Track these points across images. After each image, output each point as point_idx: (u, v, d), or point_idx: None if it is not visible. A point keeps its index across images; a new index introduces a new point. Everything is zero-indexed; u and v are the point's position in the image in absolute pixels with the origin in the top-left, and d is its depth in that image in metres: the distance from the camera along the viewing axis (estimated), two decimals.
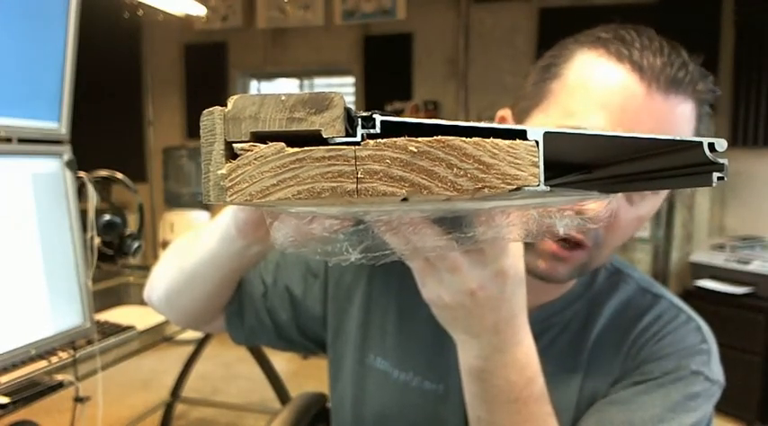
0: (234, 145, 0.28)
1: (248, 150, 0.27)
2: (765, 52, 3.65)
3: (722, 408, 3.13)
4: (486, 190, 0.27)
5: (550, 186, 0.27)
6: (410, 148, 0.26)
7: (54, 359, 1.48)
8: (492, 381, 0.60)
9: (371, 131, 0.27)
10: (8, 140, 1.28)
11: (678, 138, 0.30)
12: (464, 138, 0.27)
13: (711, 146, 0.29)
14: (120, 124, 5.08)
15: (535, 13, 4.06)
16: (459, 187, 0.27)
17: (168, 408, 3.10)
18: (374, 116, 0.27)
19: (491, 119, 0.81)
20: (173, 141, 5.13)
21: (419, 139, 0.27)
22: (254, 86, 5.07)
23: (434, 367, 0.81)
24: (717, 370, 0.76)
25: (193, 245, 0.78)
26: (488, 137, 0.27)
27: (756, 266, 3.19)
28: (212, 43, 4.92)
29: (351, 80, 4.70)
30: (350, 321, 0.90)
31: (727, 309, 3.11)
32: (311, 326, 0.93)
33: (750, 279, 3.18)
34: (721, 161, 0.29)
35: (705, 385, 0.73)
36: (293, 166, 0.27)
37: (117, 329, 1.79)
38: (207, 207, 5.01)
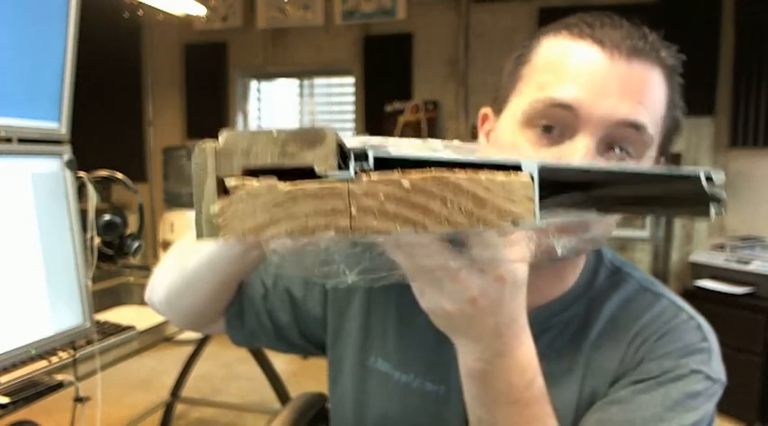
0: (226, 181, 0.26)
1: (240, 186, 0.26)
2: (765, 52, 3.65)
3: (722, 408, 3.11)
4: (480, 225, 0.27)
5: (546, 220, 0.27)
6: (404, 184, 0.26)
7: (54, 359, 1.49)
8: (493, 383, 0.59)
9: (365, 166, 0.26)
10: (8, 140, 1.28)
11: (675, 172, 0.30)
12: (458, 174, 0.26)
13: (709, 177, 0.29)
14: (120, 124, 5.08)
15: (535, 13, 4.05)
16: (453, 222, 0.27)
17: (168, 408, 3.10)
18: (367, 151, 0.26)
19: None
20: (173, 141, 5.13)
21: (413, 175, 0.26)
22: (254, 86, 5.07)
23: (435, 368, 0.81)
24: (718, 369, 0.75)
25: (194, 249, 0.78)
26: (483, 170, 0.26)
27: (756, 266, 3.19)
28: (212, 43, 4.91)
29: (351, 80, 4.70)
30: (350, 322, 0.89)
31: (727, 309, 3.11)
32: (312, 328, 0.93)
33: (750, 279, 3.18)
34: (719, 193, 0.29)
35: (706, 383, 0.73)
36: (286, 203, 0.26)
37: (117, 329, 1.79)
38: None
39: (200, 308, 0.86)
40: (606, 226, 0.70)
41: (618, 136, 0.69)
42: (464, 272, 0.48)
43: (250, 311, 0.90)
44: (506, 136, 0.74)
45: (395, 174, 0.26)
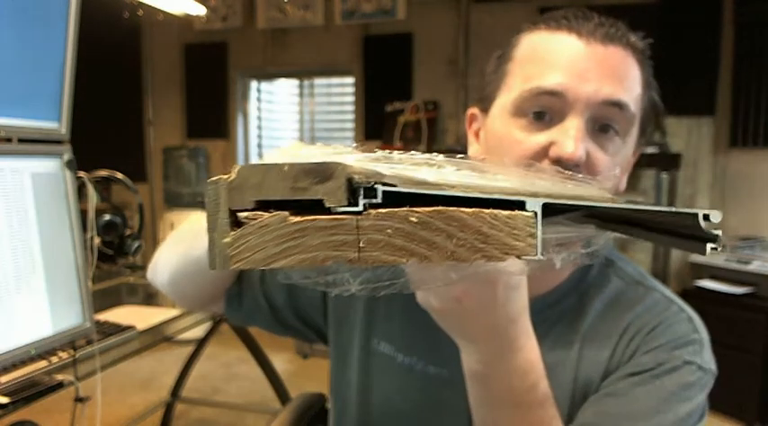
0: (238, 213, 0.28)
1: (252, 219, 0.28)
2: (765, 53, 3.65)
3: (722, 408, 3.13)
4: (484, 260, 0.28)
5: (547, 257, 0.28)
6: (411, 219, 0.27)
7: (54, 359, 1.49)
8: (494, 386, 0.60)
9: (373, 201, 0.27)
10: (8, 140, 1.28)
11: (674, 210, 0.32)
12: (464, 209, 0.27)
13: (706, 216, 0.31)
14: (120, 124, 5.08)
15: (535, 13, 4.05)
16: (458, 257, 0.27)
17: (168, 408, 3.11)
18: (376, 186, 0.27)
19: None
20: (173, 141, 5.13)
21: (419, 210, 0.27)
22: (254, 86, 5.06)
23: (439, 351, 0.82)
24: (709, 359, 0.77)
25: (200, 232, 0.79)
26: (488, 207, 0.28)
27: (756, 266, 3.19)
28: (212, 43, 4.91)
29: (351, 80, 4.69)
30: (354, 307, 0.91)
31: (728, 309, 3.11)
32: (309, 312, 0.95)
33: (750, 279, 3.18)
34: (715, 232, 0.31)
35: (698, 374, 0.75)
36: (296, 235, 0.27)
37: (117, 329, 1.79)
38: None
39: (205, 290, 0.91)
40: (606, 240, 0.71)
41: (603, 115, 0.73)
42: (447, 272, 0.49)
43: (248, 292, 0.93)
44: (498, 128, 0.77)
45: (402, 210, 0.27)
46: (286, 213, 0.27)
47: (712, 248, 0.32)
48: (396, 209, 0.27)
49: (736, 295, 3.16)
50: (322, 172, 0.26)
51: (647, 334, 0.78)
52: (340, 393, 0.96)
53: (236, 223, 0.28)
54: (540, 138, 0.73)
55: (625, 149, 0.77)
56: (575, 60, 0.73)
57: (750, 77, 3.70)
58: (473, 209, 0.27)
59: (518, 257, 0.28)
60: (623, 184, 0.83)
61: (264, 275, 0.92)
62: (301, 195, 0.27)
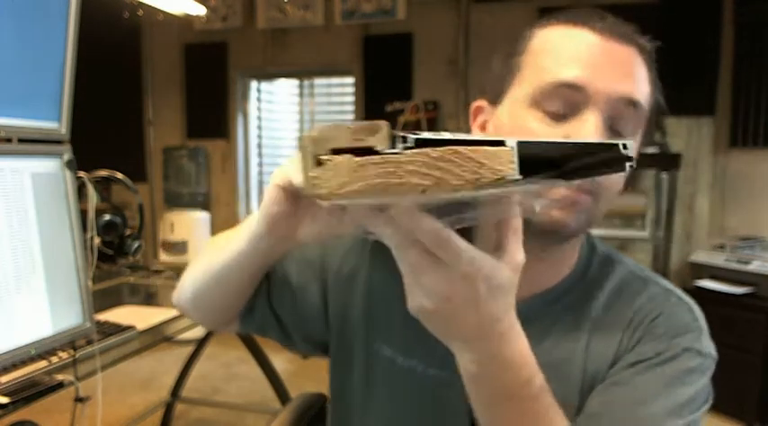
0: (320, 157, 0.41)
1: (329, 160, 0.40)
2: (765, 53, 3.65)
3: (721, 408, 3.14)
4: (482, 180, 0.40)
5: (522, 177, 0.40)
6: (432, 154, 0.39)
7: (54, 359, 1.49)
8: (489, 384, 0.62)
9: (407, 145, 0.40)
10: (8, 140, 1.29)
11: (605, 142, 0.47)
12: (467, 147, 0.40)
13: (624, 145, 0.46)
14: (120, 124, 5.08)
15: (535, 13, 4.05)
16: (464, 178, 0.39)
17: (168, 408, 3.11)
18: (407, 136, 0.40)
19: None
20: (173, 141, 5.13)
21: (438, 149, 0.40)
22: (254, 86, 5.07)
23: (438, 353, 0.83)
24: (708, 344, 0.79)
25: (221, 248, 0.83)
26: (483, 146, 0.40)
27: (756, 266, 3.19)
28: (212, 43, 4.92)
29: (351, 80, 4.70)
30: (353, 311, 0.92)
31: (728, 309, 3.11)
32: (310, 327, 0.95)
33: (750, 279, 3.18)
34: (630, 154, 0.46)
35: (698, 360, 0.77)
36: (359, 169, 0.40)
37: (117, 329, 1.79)
38: (207, 207, 5.02)
39: (224, 305, 0.91)
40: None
41: (619, 114, 0.74)
42: (430, 267, 0.51)
43: (258, 305, 0.93)
44: (512, 120, 0.78)
45: (426, 149, 0.40)
46: (351, 155, 0.40)
47: (630, 165, 0.46)
48: (422, 149, 0.40)
49: (736, 295, 3.16)
50: (373, 128, 0.40)
51: (648, 324, 0.79)
52: (341, 398, 0.96)
53: (319, 163, 0.41)
54: (556, 131, 0.74)
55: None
56: (592, 54, 0.73)
57: (750, 77, 3.70)
58: (473, 147, 0.40)
59: (502, 177, 0.40)
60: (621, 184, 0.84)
61: (270, 289, 0.93)
62: (360, 144, 0.40)
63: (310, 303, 0.93)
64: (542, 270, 0.83)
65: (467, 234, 0.51)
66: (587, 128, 0.71)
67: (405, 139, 0.40)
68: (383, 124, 0.40)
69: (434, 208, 0.48)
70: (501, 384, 0.61)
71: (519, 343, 0.60)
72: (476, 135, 0.42)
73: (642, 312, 0.81)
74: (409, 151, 0.39)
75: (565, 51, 0.75)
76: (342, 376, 0.95)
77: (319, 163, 0.41)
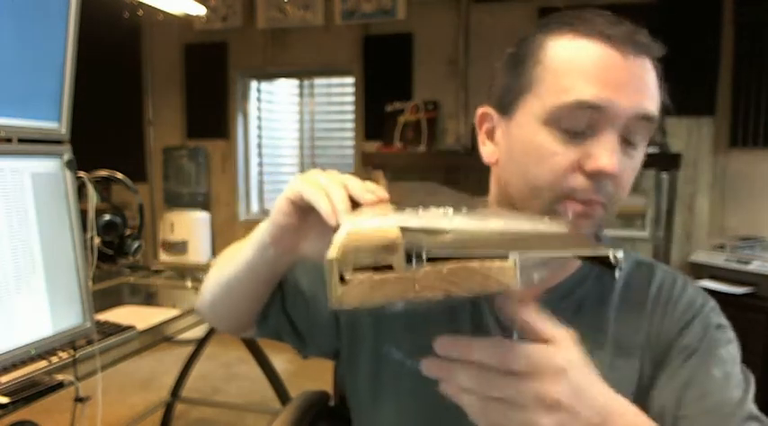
0: (344, 274, 0.46)
1: (352, 278, 0.46)
2: (765, 53, 3.65)
3: None
4: (488, 290, 0.45)
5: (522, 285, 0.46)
6: (444, 271, 0.45)
7: (54, 359, 1.49)
8: None
9: (421, 262, 0.45)
10: (8, 140, 1.29)
11: (597, 254, 0.52)
12: (474, 263, 0.45)
13: (615, 257, 0.51)
14: (120, 124, 5.08)
15: (535, 14, 4.05)
16: (469, 290, 0.45)
17: (168, 408, 3.11)
18: (422, 254, 0.45)
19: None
20: (173, 141, 5.13)
21: (449, 266, 0.45)
22: (254, 86, 5.07)
23: None
24: (722, 314, 0.86)
25: (232, 258, 0.85)
26: (488, 259, 0.45)
27: (756, 266, 3.19)
28: (212, 43, 4.92)
29: (351, 80, 4.70)
30: (363, 317, 0.93)
31: (728, 309, 3.06)
32: (323, 334, 0.97)
33: (750, 279, 3.18)
34: (620, 264, 0.51)
35: (727, 331, 0.83)
36: (379, 285, 0.46)
37: (117, 329, 1.80)
38: (207, 207, 5.02)
39: (239, 311, 0.93)
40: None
41: (635, 129, 0.75)
42: (521, 386, 0.51)
43: (273, 311, 0.95)
44: (526, 136, 0.78)
45: (439, 266, 0.45)
46: (371, 274, 0.46)
47: (618, 273, 0.58)
48: (434, 267, 0.45)
49: (735, 295, 3.15)
50: (390, 248, 0.45)
51: (671, 314, 0.84)
52: (354, 401, 0.98)
53: (342, 280, 0.46)
54: (575, 151, 0.74)
55: (641, 155, 0.80)
56: (612, 73, 0.73)
57: (750, 77, 3.70)
58: (479, 263, 0.45)
59: (507, 288, 0.45)
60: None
61: (283, 294, 0.95)
62: (380, 263, 0.46)
63: (322, 311, 0.94)
64: (553, 267, 0.86)
65: None
66: (605, 149, 0.72)
67: (419, 257, 0.45)
68: (399, 242, 0.45)
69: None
70: None
71: (633, 408, 0.60)
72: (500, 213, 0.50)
73: (660, 299, 0.85)
74: (422, 269, 0.45)
75: (583, 69, 0.74)
76: (353, 380, 0.96)
77: (342, 279, 0.46)
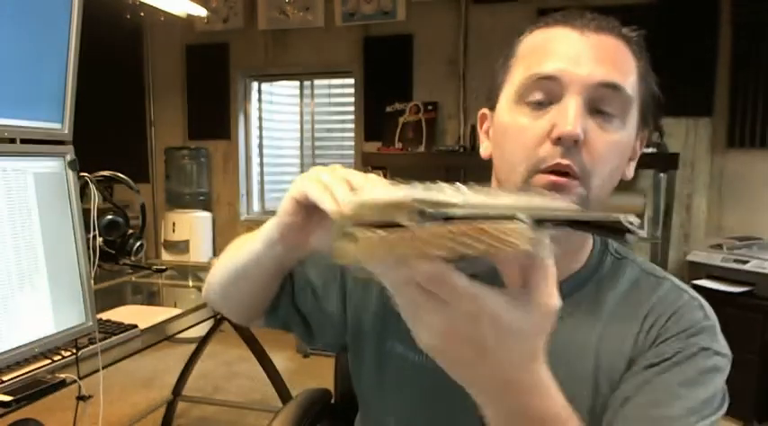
0: (351, 231, 0.45)
1: (359, 234, 0.44)
2: (762, 53, 3.66)
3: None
4: (498, 253, 0.43)
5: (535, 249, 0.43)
6: (452, 230, 0.42)
7: (56, 358, 1.50)
8: None
9: (429, 221, 0.42)
10: (11, 141, 1.30)
11: (607, 215, 0.48)
12: (487, 224, 0.42)
13: (626, 220, 0.48)
14: (122, 124, 5.09)
15: (534, 14, 4.06)
16: (480, 251, 0.42)
17: (169, 406, 3.12)
18: (429, 211, 0.42)
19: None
20: (174, 141, 5.15)
21: (458, 225, 0.42)
22: (255, 87, 5.08)
23: None
24: (723, 343, 0.80)
25: (243, 248, 0.87)
26: (498, 220, 0.42)
27: (754, 265, 3.19)
28: (214, 44, 4.93)
29: (351, 81, 4.71)
30: (368, 314, 0.95)
31: (725, 308, 3.11)
32: (331, 326, 0.99)
33: (747, 278, 3.18)
34: (634, 228, 0.48)
35: (715, 359, 0.78)
36: (383, 243, 0.44)
37: (119, 328, 1.80)
38: (208, 207, 5.03)
39: (248, 301, 0.96)
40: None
41: (599, 96, 0.76)
42: (438, 306, 0.48)
43: (283, 302, 0.97)
44: (503, 119, 0.82)
45: (447, 225, 0.42)
46: (378, 230, 0.44)
47: (632, 238, 0.48)
48: (443, 225, 0.42)
49: (733, 294, 3.16)
50: (398, 205, 0.43)
51: (664, 324, 0.81)
52: (360, 395, 1.00)
53: (349, 236, 0.45)
54: (542, 123, 0.77)
55: (625, 133, 0.80)
56: (569, 47, 0.78)
57: (748, 78, 3.71)
58: (490, 224, 0.42)
59: (519, 249, 0.42)
60: (631, 171, 0.87)
61: (294, 286, 0.97)
62: (386, 219, 0.44)
63: (331, 305, 0.97)
64: (559, 261, 0.83)
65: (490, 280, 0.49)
66: (568, 113, 0.74)
67: (428, 215, 0.42)
68: (408, 202, 0.43)
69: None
70: None
71: (547, 399, 0.55)
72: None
73: (656, 311, 0.82)
74: (430, 226, 0.42)
75: (544, 49, 0.79)
76: (358, 371, 0.98)
77: (349, 236, 0.45)
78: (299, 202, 0.69)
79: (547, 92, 0.77)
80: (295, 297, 0.97)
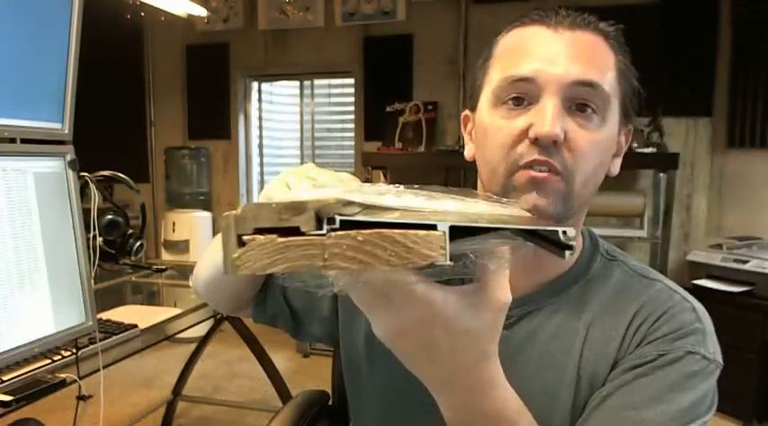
0: (242, 236, 0.39)
1: (251, 240, 0.39)
2: (762, 53, 3.66)
3: (719, 406, 3.12)
4: (409, 265, 0.38)
5: (452, 260, 0.39)
6: (358, 238, 0.38)
7: (57, 358, 1.50)
8: None
9: (334, 226, 0.38)
10: (11, 140, 1.30)
11: (543, 228, 0.48)
12: (395, 231, 0.38)
13: (564, 233, 0.48)
14: (122, 124, 5.09)
15: None
16: (391, 263, 0.38)
17: (169, 406, 3.13)
18: (335, 217, 0.38)
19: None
20: (174, 141, 5.15)
21: (364, 232, 0.38)
22: (255, 87, 5.08)
23: None
24: (713, 349, 0.77)
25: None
26: (414, 229, 0.38)
27: (753, 265, 3.19)
28: (214, 44, 4.93)
29: (351, 81, 4.71)
30: (359, 313, 0.93)
31: (725, 308, 3.12)
32: (321, 318, 1.01)
33: (747, 278, 3.18)
34: (571, 243, 0.48)
35: (702, 363, 0.75)
36: (282, 250, 0.38)
37: (119, 327, 1.81)
38: (209, 207, 5.04)
39: (234, 293, 0.99)
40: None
41: (576, 94, 0.76)
42: (389, 308, 0.49)
43: (272, 294, 0.99)
44: (483, 120, 0.82)
45: (353, 232, 0.38)
46: (274, 236, 0.38)
47: (569, 254, 0.48)
48: (348, 232, 0.38)
49: (733, 294, 3.17)
50: (297, 208, 0.38)
51: (651, 325, 0.79)
52: (353, 390, 1.00)
53: (241, 243, 0.39)
54: (519, 122, 0.76)
55: (606, 130, 0.79)
56: (544, 47, 0.77)
57: (747, 78, 3.71)
58: (401, 231, 0.38)
59: (432, 264, 0.39)
60: (617, 168, 0.86)
61: (286, 291, 0.99)
62: (284, 224, 0.38)
63: (323, 301, 0.99)
64: (541, 262, 0.84)
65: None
66: (546, 113, 0.74)
67: (332, 221, 0.38)
68: (308, 203, 0.38)
69: None
70: None
71: (496, 396, 0.57)
72: (404, 216, 0.40)
73: (645, 311, 0.80)
74: (335, 233, 0.38)
75: (520, 49, 0.79)
76: (348, 353, 0.99)
77: (242, 242, 0.39)
78: None
79: (523, 92, 0.77)
80: (286, 291, 0.99)
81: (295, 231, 0.38)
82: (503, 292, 0.51)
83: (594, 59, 0.77)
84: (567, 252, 0.48)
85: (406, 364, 0.54)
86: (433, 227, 0.39)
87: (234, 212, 0.40)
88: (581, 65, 0.76)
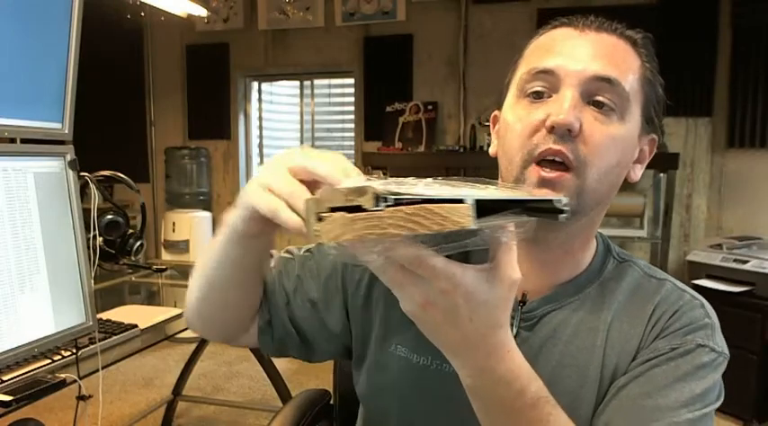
0: (320, 214, 0.51)
1: (328, 216, 0.50)
2: (762, 54, 3.67)
3: (719, 406, 3.14)
4: (445, 229, 0.48)
5: (478, 225, 0.48)
6: (406, 211, 0.47)
7: (56, 358, 1.50)
8: (484, 396, 0.65)
9: (388, 204, 0.48)
10: (12, 140, 1.30)
11: (540, 198, 0.61)
12: (433, 204, 0.47)
13: (559, 201, 0.60)
14: (122, 124, 5.10)
15: (534, 15, 4.07)
16: (430, 228, 0.47)
17: (169, 406, 3.12)
18: (388, 197, 0.48)
19: (488, 120, 0.99)
20: (174, 141, 5.15)
21: (411, 207, 0.47)
22: (255, 87, 5.09)
23: None
24: (720, 342, 0.82)
25: (208, 254, 0.84)
26: (448, 203, 0.48)
27: (753, 265, 3.19)
28: (214, 44, 4.93)
29: (351, 81, 4.71)
30: (371, 318, 0.95)
31: (725, 308, 3.11)
32: (333, 336, 0.97)
33: (747, 277, 3.18)
34: (566, 208, 0.60)
35: (711, 355, 0.79)
36: (349, 223, 0.48)
37: (119, 327, 1.80)
38: (208, 206, 5.04)
39: (227, 313, 0.91)
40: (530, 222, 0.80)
41: (595, 89, 0.78)
42: (417, 283, 0.56)
43: (277, 318, 0.94)
44: (507, 114, 0.85)
45: (401, 207, 0.47)
46: (344, 213, 0.49)
47: (564, 217, 0.60)
48: (398, 207, 0.47)
49: (733, 293, 3.16)
50: (360, 191, 0.48)
51: (666, 322, 0.83)
52: (366, 399, 1.00)
53: (320, 219, 0.51)
54: (538, 114, 0.79)
55: (624, 128, 0.80)
56: (567, 43, 0.81)
57: (747, 78, 3.72)
58: (438, 204, 0.47)
59: (463, 227, 0.47)
60: (638, 174, 0.88)
61: (289, 299, 0.95)
62: (351, 203, 0.49)
63: (333, 317, 0.96)
64: (559, 263, 0.87)
65: (470, 257, 0.57)
66: (563, 103, 0.76)
67: (386, 199, 0.48)
68: (370, 187, 0.48)
69: (427, 240, 0.54)
70: (494, 396, 0.64)
71: (509, 360, 0.63)
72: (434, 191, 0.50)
73: (659, 310, 0.84)
74: (389, 209, 0.48)
75: (546, 47, 0.83)
76: (362, 376, 0.98)
77: (320, 219, 0.51)
78: (253, 217, 0.73)
79: (544, 85, 0.80)
80: (292, 313, 0.95)
81: (358, 209, 0.48)
82: (513, 271, 0.58)
83: (616, 58, 0.80)
84: (562, 216, 0.59)
85: (431, 334, 0.61)
86: (461, 202, 0.48)
87: (314, 197, 0.54)
88: (601, 61, 0.79)
